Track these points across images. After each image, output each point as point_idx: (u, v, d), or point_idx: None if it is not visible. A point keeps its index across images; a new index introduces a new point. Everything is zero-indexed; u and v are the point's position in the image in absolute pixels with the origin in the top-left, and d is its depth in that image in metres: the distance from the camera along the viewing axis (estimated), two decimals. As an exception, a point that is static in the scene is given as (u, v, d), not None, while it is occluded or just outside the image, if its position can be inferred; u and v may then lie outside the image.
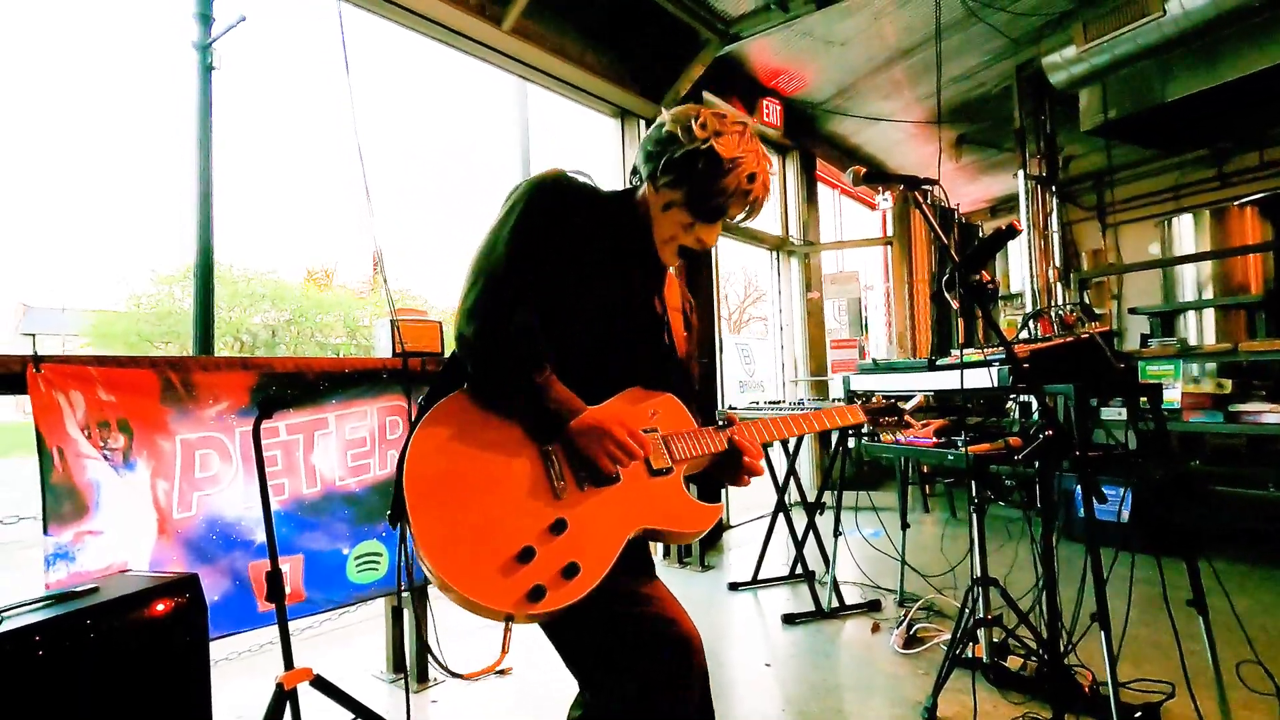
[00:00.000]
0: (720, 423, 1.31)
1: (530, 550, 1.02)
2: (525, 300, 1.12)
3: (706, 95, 4.79)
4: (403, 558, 1.10)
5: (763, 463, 1.30)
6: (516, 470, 1.09)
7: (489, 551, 1.01)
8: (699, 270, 4.74)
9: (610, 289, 1.22)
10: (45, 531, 1.66)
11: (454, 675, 1.04)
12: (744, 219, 1.25)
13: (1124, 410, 3.51)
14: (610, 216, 1.22)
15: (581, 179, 1.22)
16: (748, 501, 5.40)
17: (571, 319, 1.18)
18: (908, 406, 1.58)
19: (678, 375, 1.32)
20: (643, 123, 4.54)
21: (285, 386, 2.15)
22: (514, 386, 1.09)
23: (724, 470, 1.30)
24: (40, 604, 1.37)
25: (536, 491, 1.08)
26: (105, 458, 1.76)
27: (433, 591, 2.57)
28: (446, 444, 1.06)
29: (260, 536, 2.02)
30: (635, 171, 1.26)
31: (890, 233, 6.40)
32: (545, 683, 2.45)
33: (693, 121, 1.15)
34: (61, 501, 1.68)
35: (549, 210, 1.15)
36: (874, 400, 1.59)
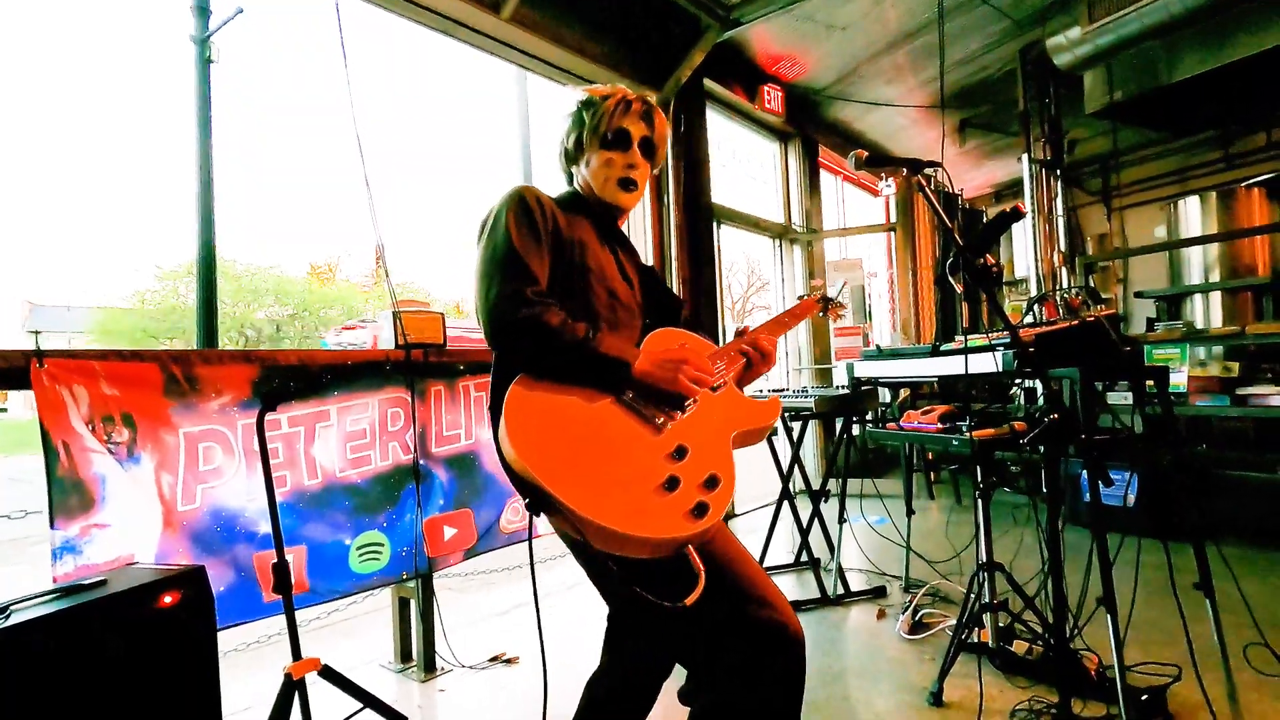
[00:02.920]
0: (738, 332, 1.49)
1: (674, 478, 1.08)
2: (539, 279, 1.20)
3: (707, 82, 4.76)
4: (531, 545, 1.19)
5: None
6: (611, 422, 1.15)
7: (641, 493, 1.07)
8: (702, 261, 4.73)
9: (603, 257, 1.35)
10: (52, 525, 1.66)
11: (660, 604, 1.08)
12: (654, 137, 1.40)
13: (1130, 394, 3.49)
14: (573, 204, 1.39)
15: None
16: (753, 490, 5.41)
17: (581, 291, 1.28)
18: (835, 294, 1.86)
19: (681, 314, 1.48)
20: (643, 111, 4.50)
21: (288, 379, 2.15)
22: (567, 350, 1.14)
23: (742, 375, 1.42)
24: (49, 597, 1.38)
25: (640, 433, 1.15)
26: (110, 451, 1.76)
27: (440, 583, 2.59)
28: (544, 425, 1.10)
29: (264, 528, 2.03)
30: (567, 180, 1.46)
31: (894, 219, 6.36)
32: (553, 671, 2.46)
33: (570, 101, 1.40)
34: (68, 495, 1.69)
35: (530, 206, 1.26)
36: (815, 294, 1.86)
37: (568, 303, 1.23)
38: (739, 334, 1.47)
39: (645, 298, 1.43)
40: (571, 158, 1.41)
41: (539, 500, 1.05)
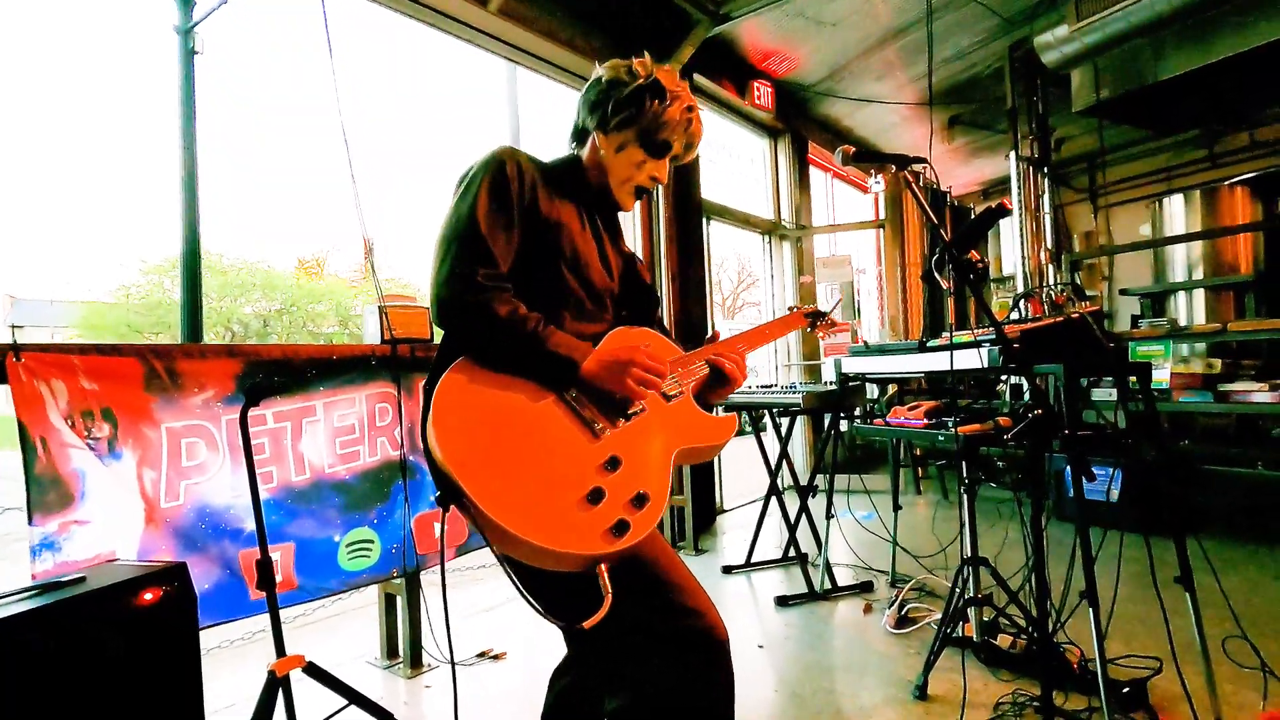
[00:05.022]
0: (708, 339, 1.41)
1: (599, 490, 1.03)
2: (498, 261, 1.12)
3: (697, 77, 4.75)
4: (442, 537, 1.07)
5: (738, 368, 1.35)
6: (547, 421, 1.08)
7: (560, 502, 1.00)
8: (691, 257, 4.72)
9: (582, 242, 1.26)
10: (30, 522, 1.64)
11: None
12: (683, 157, 1.32)
13: (1114, 390, 3.52)
14: (564, 177, 1.29)
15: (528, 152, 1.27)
16: (741, 486, 5.42)
17: (550, 276, 1.21)
18: (829, 309, 1.74)
19: (655, 311, 1.41)
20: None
21: (272, 374, 2.13)
22: (513, 342, 1.08)
23: (711, 388, 1.34)
24: (26, 594, 1.36)
25: (575, 436, 1.08)
26: (90, 447, 1.74)
27: (426, 578, 2.58)
28: (472, 414, 1.03)
29: (249, 525, 2.01)
30: (576, 134, 1.33)
31: (882, 216, 6.38)
32: (538, 667, 2.46)
33: (632, 64, 1.26)
34: (46, 491, 1.67)
35: (509, 177, 1.17)
36: (805, 307, 1.74)
37: (532, 285, 1.16)
38: (709, 340, 1.39)
39: (622, 289, 1.35)
40: (601, 125, 1.26)
41: (451, 494, 0.98)
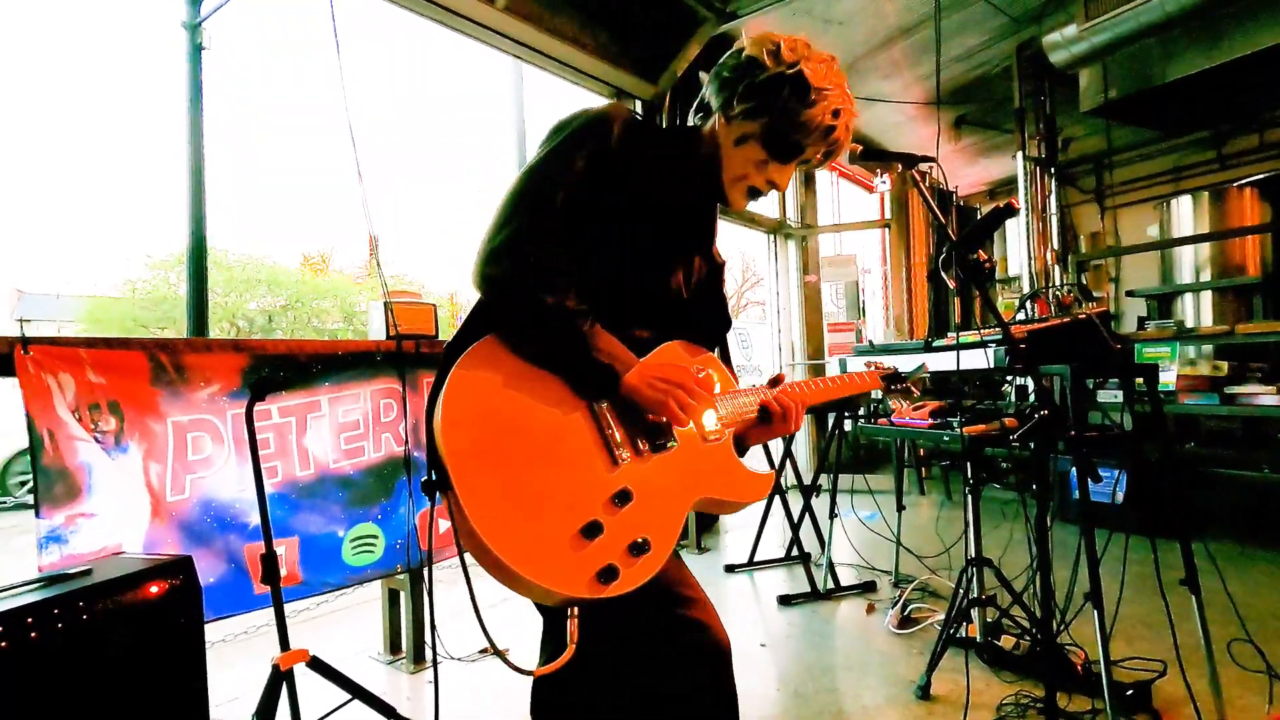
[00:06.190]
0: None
1: (597, 525, 0.91)
2: (567, 242, 0.99)
3: (702, 75, 4.73)
4: (431, 533, 1.01)
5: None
6: (567, 431, 0.96)
7: (552, 527, 0.89)
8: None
9: (669, 237, 1.12)
10: (37, 514, 1.65)
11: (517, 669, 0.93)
12: (820, 163, 1.12)
13: (1120, 392, 3.51)
14: (674, 156, 1.12)
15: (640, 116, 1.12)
16: (744, 484, 5.42)
17: (616, 268, 1.07)
18: (908, 372, 1.56)
19: (721, 333, 1.26)
20: (639, 103, 4.48)
21: (277, 369, 2.14)
22: (555, 336, 0.95)
23: (755, 431, 1.20)
24: (32, 586, 1.37)
25: (592, 457, 0.96)
26: (96, 440, 1.75)
27: (438, 574, 2.58)
28: (486, 400, 0.91)
29: (254, 519, 2.01)
30: (700, 108, 1.15)
31: (888, 215, 6.36)
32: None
33: (780, 45, 1.04)
34: (53, 484, 1.67)
35: (613, 144, 1.03)
36: (880, 367, 1.56)
37: (594, 271, 1.02)
38: (773, 381, 1.22)
39: (692, 298, 1.19)
40: (724, 108, 1.07)
41: (441, 482, 0.89)
